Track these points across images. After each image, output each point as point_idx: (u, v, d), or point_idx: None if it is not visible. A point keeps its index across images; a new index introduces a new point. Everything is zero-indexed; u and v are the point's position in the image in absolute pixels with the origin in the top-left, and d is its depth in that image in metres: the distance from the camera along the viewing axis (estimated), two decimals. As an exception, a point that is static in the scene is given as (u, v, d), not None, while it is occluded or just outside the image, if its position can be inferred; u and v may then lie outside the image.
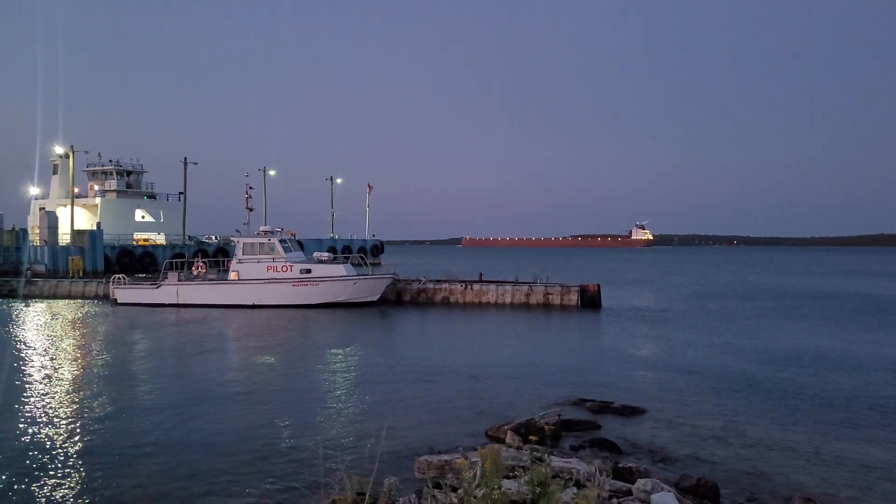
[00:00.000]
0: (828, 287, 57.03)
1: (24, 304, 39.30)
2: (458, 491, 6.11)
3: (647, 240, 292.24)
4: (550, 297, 37.20)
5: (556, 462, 8.92)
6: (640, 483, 8.45)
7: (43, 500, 9.42)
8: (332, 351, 23.11)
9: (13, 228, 60.82)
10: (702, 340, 25.35)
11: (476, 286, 39.03)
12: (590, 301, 36.86)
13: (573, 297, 36.80)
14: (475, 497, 5.72)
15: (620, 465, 9.99)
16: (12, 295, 44.64)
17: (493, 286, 38.80)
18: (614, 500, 8.00)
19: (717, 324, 30.77)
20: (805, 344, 24.57)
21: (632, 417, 13.95)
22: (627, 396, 15.58)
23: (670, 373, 18.82)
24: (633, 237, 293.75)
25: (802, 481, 10.19)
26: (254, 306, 36.47)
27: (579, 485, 8.16)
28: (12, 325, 30.05)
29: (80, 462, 11.02)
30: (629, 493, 8.43)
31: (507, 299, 37.83)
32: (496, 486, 5.78)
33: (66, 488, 9.84)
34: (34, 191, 74.19)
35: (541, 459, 8.29)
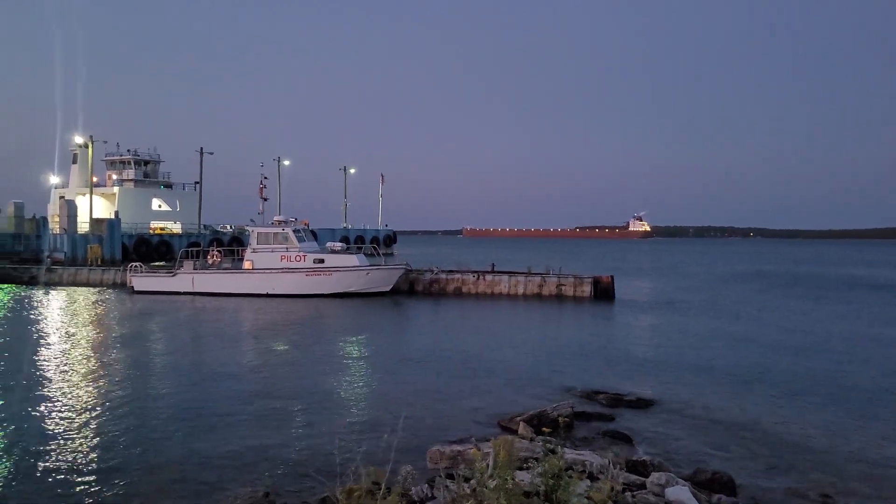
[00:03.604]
0: (848, 277, 56.33)
1: (44, 292, 39.77)
2: (471, 481, 6.09)
3: (645, 231, 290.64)
4: (563, 288, 37.07)
5: (569, 454, 8.88)
6: (655, 476, 8.39)
7: (57, 482, 9.53)
8: (345, 340, 23.19)
9: (34, 217, 61.54)
10: (717, 332, 25.15)
11: (488, 277, 38.97)
12: (603, 292, 36.67)
13: (586, 289, 36.65)
14: (488, 488, 5.70)
15: (634, 458, 9.93)
16: (33, 282, 45.18)
17: (505, 277, 38.71)
18: (628, 494, 7.94)
19: (732, 315, 30.50)
20: (823, 334, 24.31)
21: (645, 410, 13.87)
22: (641, 389, 15.49)
23: (684, 365, 18.70)
24: (631, 228, 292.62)
25: (819, 476, 10.08)
26: (267, 295, 36.67)
27: (592, 477, 8.12)
28: (34, 311, 30.43)
29: (94, 445, 11.14)
30: (643, 486, 8.37)
31: (520, 290, 37.74)
32: (509, 478, 5.75)
33: (79, 471, 9.95)
34: (54, 180, 74.94)
35: (554, 451, 8.26)
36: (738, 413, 13.61)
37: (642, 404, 14.17)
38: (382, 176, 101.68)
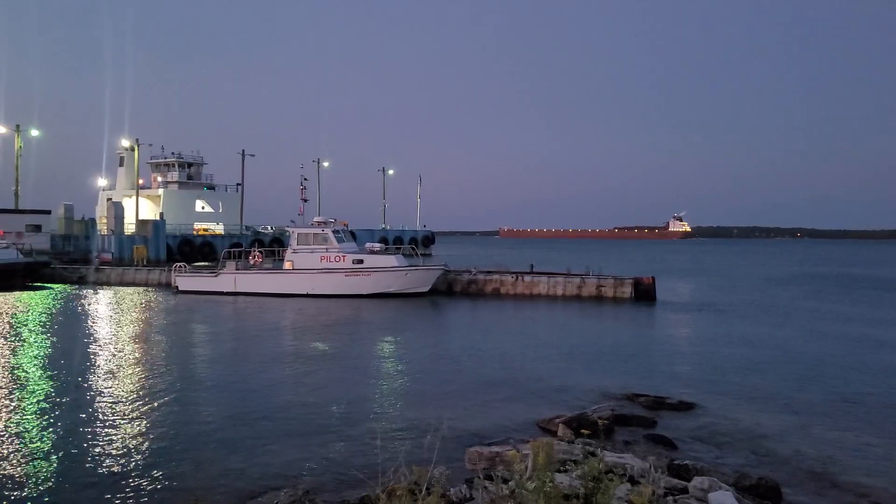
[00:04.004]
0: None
1: (93, 291, 40.99)
2: (510, 483, 6.07)
3: (685, 231, 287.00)
4: (603, 289, 36.65)
5: (609, 457, 8.77)
6: (697, 481, 8.23)
7: (103, 476, 9.80)
8: (384, 340, 23.33)
9: (83, 218, 63.56)
10: (762, 335, 24.56)
11: (527, 278, 38.76)
12: (644, 294, 36.14)
13: (626, 290, 36.17)
14: (526, 490, 5.67)
15: (676, 462, 9.75)
16: (82, 282, 46.59)
17: (544, 278, 38.46)
18: (669, 498, 7.81)
19: (779, 317, 29.76)
20: (874, 338, 23.53)
21: (688, 413, 13.62)
22: (683, 392, 15.22)
23: (729, 368, 18.30)
24: (671, 229, 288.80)
25: (871, 484, 9.76)
26: (307, 295, 37.12)
27: (633, 481, 8.01)
28: (83, 310, 31.40)
29: (138, 442, 11.42)
30: (685, 490, 8.22)
31: (559, 291, 37.44)
32: (548, 480, 5.71)
33: (124, 466, 10.21)
34: (102, 182, 77.26)
35: (593, 454, 8.17)
36: (785, 419, 13.26)
37: (684, 408, 13.92)
38: (420, 177, 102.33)
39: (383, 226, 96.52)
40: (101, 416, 13.04)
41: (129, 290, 42.18)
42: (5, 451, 10.90)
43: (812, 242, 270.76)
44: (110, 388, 15.50)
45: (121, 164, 75.22)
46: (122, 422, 12.70)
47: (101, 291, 40.93)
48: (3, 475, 9.84)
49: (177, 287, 40.67)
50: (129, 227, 62.10)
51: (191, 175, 78.94)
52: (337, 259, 37.69)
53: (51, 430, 12.18)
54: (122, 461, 10.51)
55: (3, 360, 18.77)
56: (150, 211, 70.56)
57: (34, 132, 64.27)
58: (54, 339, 23.06)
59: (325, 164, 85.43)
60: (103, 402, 14.19)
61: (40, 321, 27.31)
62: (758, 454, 11.09)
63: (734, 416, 13.36)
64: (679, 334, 25.29)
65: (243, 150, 72.34)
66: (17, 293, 38.59)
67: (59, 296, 38.25)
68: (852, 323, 28.71)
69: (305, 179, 43.33)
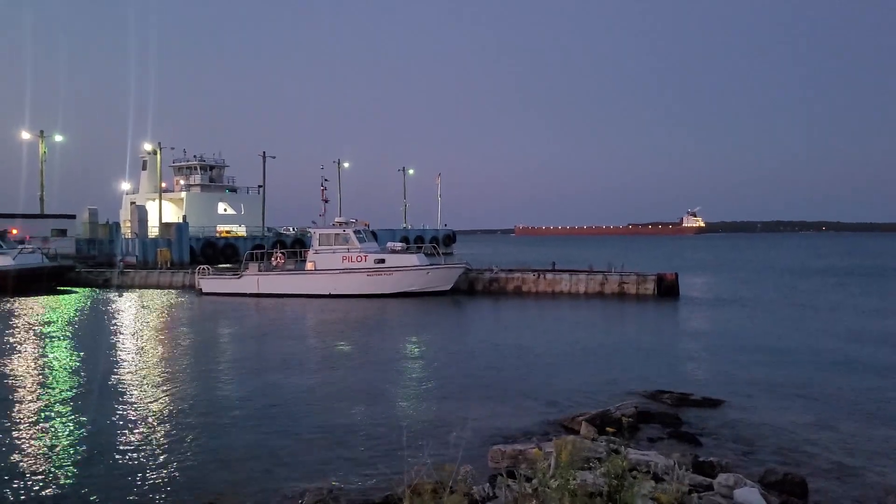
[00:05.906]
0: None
1: (117, 294, 41.60)
2: (533, 481, 6.07)
3: (699, 227, 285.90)
4: (626, 286, 36.40)
5: (633, 454, 8.74)
6: (722, 478, 8.17)
7: (130, 473, 9.95)
8: (406, 339, 23.40)
9: (107, 222, 64.58)
10: (788, 331, 24.24)
11: (549, 275, 38.63)
12: (667, 290, 35.83)
13: (650, 286, 35.89)
14: (550, 488, 5.67)
15: (701, 459, 9.67)
16: (107, 285, 47.28)
17: (566, 275, 38.30)
18: (694, 495, 7.75)
19: (806, 313, 29.35)
20: (902, 335, 23.12)
21: (713, 410, 13.48)
22: (708, 389, 15.07)
23: (754, 364, 18.10)
24: (685, 224, 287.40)
25: (900, 481, 9.60)
26: (329, 296, 37.34)
27: (657, 478, 7.96)
28: (108, 313, 31.90)
29: (166, 440, 11.58)
30: (710, 487, 8.16)
31: (581, 288, 37.27)
32: (571, 478, 5.70)
33: (151, 464, 10.36)
34: (125, 186, 78.46)
35: (617, 451, 8.14)
36: (812, 415, 13.09)
37: (709, 404, 13.79)
38: (440, 175, 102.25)
39: (404, 225, 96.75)
40: (126, 417, 13.24)
41: (154, 292, 42.74)
42: (33, 450, 11.13)
43: (837, 235, 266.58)
44: (136, 389, 15.73)
45: (144, 168, 76.27)
46: (148, 422, 12.88)
47: (125, 294, 41.53)
48: (31, 472, 10.04)
49: (200, 289, 41.11)
50: (153, 230, 62.94)
51: (213, 178, 79.81)
52: (359, 259, 37.86)
53: (77, 429, 12.38)
54: (148, 460, 10.66)
55: (30, 363, 19.15)
56: (173, 214, 71.42)
57: (58, 137, 65.37)
58: (80, 341, 23.44)
59: (346, 164, 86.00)
60: (129, 402, 14.41)
61: (66, 324, 27.79)
62: (784, 450, 10.96)
63: (759, 412, 13.21)
64: (703, 330, 25.04)
65: (264, 153, 73.02)
66: (43, 297, 39.29)
67: (85, 299, 38.88)
68: (879, 316, 28.23)
69: (326, 180, 43.63)
